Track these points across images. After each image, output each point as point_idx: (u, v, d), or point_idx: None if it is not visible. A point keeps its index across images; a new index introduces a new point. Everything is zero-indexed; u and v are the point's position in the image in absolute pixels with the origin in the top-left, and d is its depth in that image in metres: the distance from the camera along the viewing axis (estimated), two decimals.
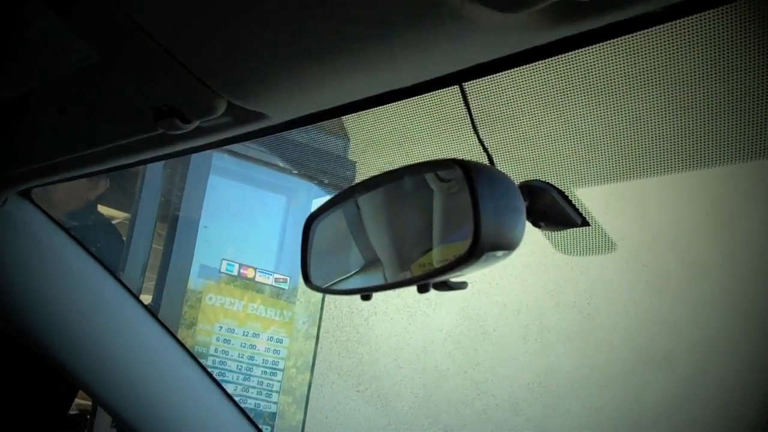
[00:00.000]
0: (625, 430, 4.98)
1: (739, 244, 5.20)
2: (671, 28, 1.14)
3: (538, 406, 4.85)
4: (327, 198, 0.95)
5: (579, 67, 1.23)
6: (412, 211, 0.91)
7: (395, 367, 4.53)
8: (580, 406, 4.94)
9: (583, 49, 0.72)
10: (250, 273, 4.19)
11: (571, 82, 1.31)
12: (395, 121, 1.66)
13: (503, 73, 0.80)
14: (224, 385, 1.68)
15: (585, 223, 0.90)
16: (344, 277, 0.96)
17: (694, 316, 5.14)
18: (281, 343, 4.21)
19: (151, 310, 1.63)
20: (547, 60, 0.74)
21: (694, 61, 1.24)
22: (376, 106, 0.90)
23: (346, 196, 0.94)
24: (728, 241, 5.21)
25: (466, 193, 0.74)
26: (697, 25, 1.14)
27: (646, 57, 1.25)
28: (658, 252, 5.17)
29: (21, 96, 1.17)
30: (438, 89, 0.84)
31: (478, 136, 0.87)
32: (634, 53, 1.23)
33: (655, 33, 1.14)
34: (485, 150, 0.87)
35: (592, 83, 1.32)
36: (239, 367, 4.08)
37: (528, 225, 0.83)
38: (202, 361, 1.66)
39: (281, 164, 4.06)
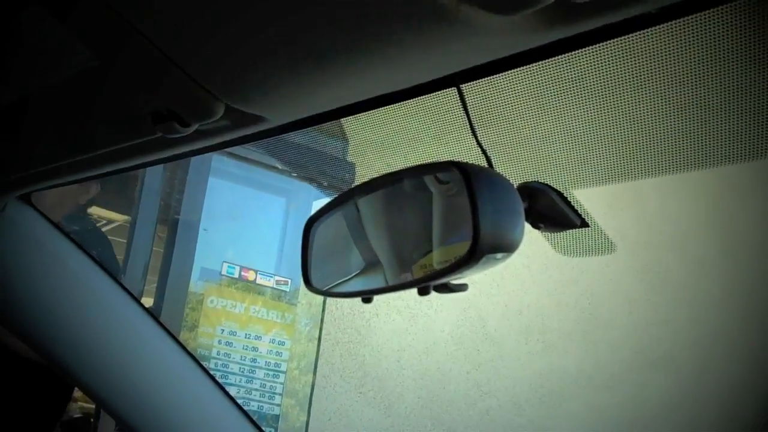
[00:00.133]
0: (627, 430, 4.98)
1: (739, 243, 5.20)
2: (668, 29, 1.14)
3: (540, 407, 4.85)
4: (327, 200, 0.95)
5: (576, 69, 1.23)
6: (411, 214, 0.91)
7: (397, 368, 4.53)
8: (583, 406, 4.94)
9: (580, 50, 0.72)
10: (251, 275, 4.19)
11: (568, 84, 1.31)
12: (394, 124, 1.66)
13: (501, 74, 0.80)
14: (227, 388, 1.68)
15: (584, 224, 0.90)
16: (345, 279, 0.96)
17: (695, 315, 5.14)
18: (283, 345, 4.21)
19: (153, 313, 1.63)
20: (544, 61, 0.74)
21: (692, 62, 1.24)
22: (374, 109, 0.90)
23: (345, 199, 0.94)
24: (728, 240, 5.20)
25: (465, 195, 0.74)
26: (694, 25, 1.14)
27: (643, 58, 1.25)
28: (659, 251, 5.17)
29: (20, 100, 1.18)
30: (436, 91, 0.84)
31: (476, 138, 0.87)
32: (631, 54, 1.23)
33: (652, 34, 1.14)
34: (483, 152, 0.87)
35: (589, 84, 1.32)
36: (242, 370, 4.08)
37: (528, 226, 0.83)
38: (204, 363, 1.66)
39: (281, 166, 4.06)
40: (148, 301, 4.05)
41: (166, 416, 1.59)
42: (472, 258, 0.73)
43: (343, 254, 0.97)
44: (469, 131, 0.88)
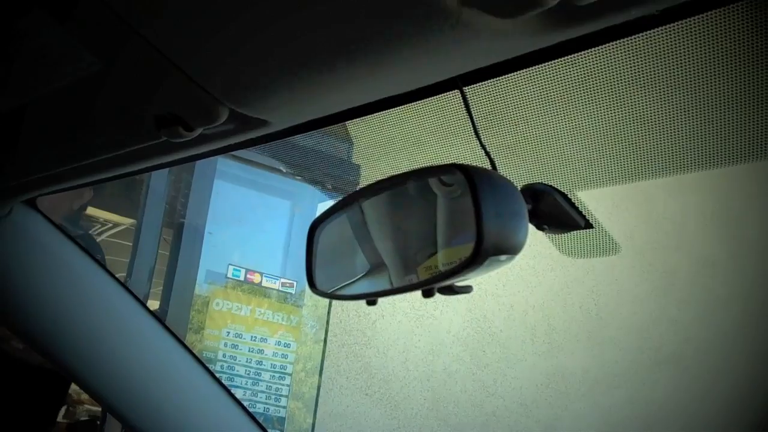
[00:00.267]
0: (634, 430, 4.97)
1: (746, 242, 5.19)
2: (672, 30, 1.14)
3: (547, 407, 4.85)
4: (331, 203, 0.96)
5: (579, 70, 1.23)
6: (416, 216, 0.91)
7: (403, 369, 4.53)
8: (590, 406, 4.93)
9: (583, 52, 0.72)
10: (256, 278, 4.19)
11: (571, 86, 1.31)
12: (398, 126, 1.66)
13: (504, 77, 0.80)
14: (233, 391, 1.68)
15: (588, 225, 0.89)
16: (349, 282, 0.96)
17: (701, 315, 5.13)
18: (289, 347, 4.21)
19: (158, 316, 1.63)
20: (547, 63, 0.74)
21: (696, 62, 1.24)
22: (377, 112, 0.90)
23: (350, 201, 0.94)
24: (734, 239, 5.20)
25: (468, 198, 0.74)
26: (698, 26, 1.14)
27: (647, 59, 1.25)
28: (665, 251, 5.16)
29: (24, 105, 1.18)
30: (439, 94, 0.84)
31: (480, 140, 0.87)
32: (635, 55, 1.23)
33: (656, 35, 1.14)
34: (487, 154, 0.87)
35: (592, 86, 1.32)
36: (248, 372, 4.08)
37: (532, 228, 0.83)
38: (210, 366, 1.66)
39: (285, 169, 4.06)
40: (153, 304, 4.06)
41: (172, 419, 1.59)
42: (476, 260, 0.73)
43: (347, 257, 0.97)
44: (473, 133, 0.88)
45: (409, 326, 4.56)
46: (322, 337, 4.39)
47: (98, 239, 5.18)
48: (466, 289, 0.80)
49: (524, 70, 0.76)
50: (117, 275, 1.59)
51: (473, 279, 0.79)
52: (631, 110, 1.48)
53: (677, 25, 1.10)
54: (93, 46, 0.89)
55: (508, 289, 4.80)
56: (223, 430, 1.65)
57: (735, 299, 5.13)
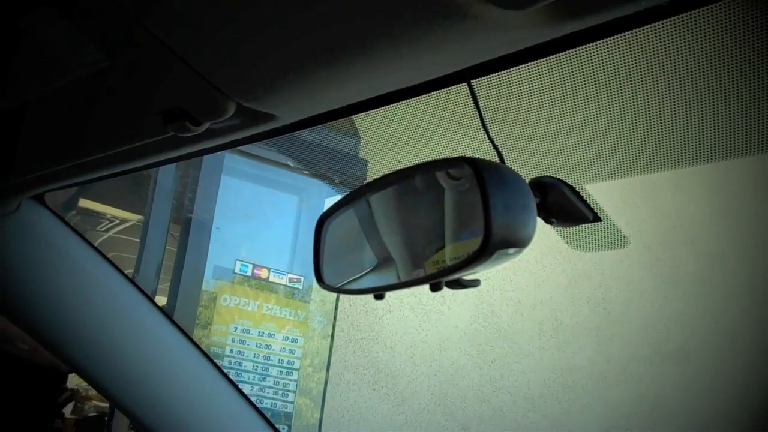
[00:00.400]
0: (642, 425, 4.97)
1: (753, 237, 5.17)
2: (682, 21, 1.13)
3: (554, 402, 4.85)
4: (339, 197, 0.95)
5: (588, 62, 1.23)
6: (423, 210, 0.91)
7: (411, 364, 4.54)
8: (597, 400, 4.93)
9: (592, 43, 0.72)
10: (263, 273, 4.20)
11: (579, 78, 1.30)
12: (405, 120, 1.65)
13: (512, 69, 0.80)
14: (240, 386, 1.68)
15: (596, 218, 0.89)
16: (357, 276, 0.96)
17: (710, 308, 5.12)
18: (296, 342, 4.22)
19: (166, 312, 1.63)
20: (555, 56, 0.74)
21: (706, 53, 1.24)
22: (385, 105, 0.90)
23: (357, 196, 0.94)
24: (742, 234, 5.18)
25: (476, 191, 0.74)
26: (708, 16, 1.13)
27: (655, 50, 1.24)
28: (672, 246, 5.15)
29: (32, 102, 1.18)
30: (447, 87, 0.84)
31: (488, 134, 0.87)
32: (643, 47, 1.22)
33: (664, 26, 1.13)
34: (495, 147, 0.87)
35: (601, 78, 1.32)
36: (255, 368, 4.09)
37: (540, 221, 0.83)
38: (217, 361, 1.66)
39: (293, 164, 4.06)
40: (161, 300, 4.06)
41: (180, 414, 1.60)
42: (483, 253, 0.73)
43: (355, 251, 0.97)
44: (481, 127, 0.87)
45: (416, 321, 4.56)
46: (330, 333, 4.39)
47: (106, 235, 5.20)
48: (474, 283, 0.80)
49: (532, 62, 0.75)
50: (125, 271, 1.59)
51: (481, 273, 0.79)
52: (640, 103, 1.47)
53: (688, 15, 1.09)
54: (101, 41, 0.89)
55: (516, 283, 4.80)
56: (230, 426, 1.66)
57: (742, 293, 5.11)
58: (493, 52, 0.71)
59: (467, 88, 0.85)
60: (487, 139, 0.87)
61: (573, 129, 1.57)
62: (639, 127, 1.56)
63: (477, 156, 0.77)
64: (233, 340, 4.06)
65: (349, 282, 0.96)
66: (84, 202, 4.67)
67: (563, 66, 1.22)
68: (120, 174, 1.27)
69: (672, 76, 1.37)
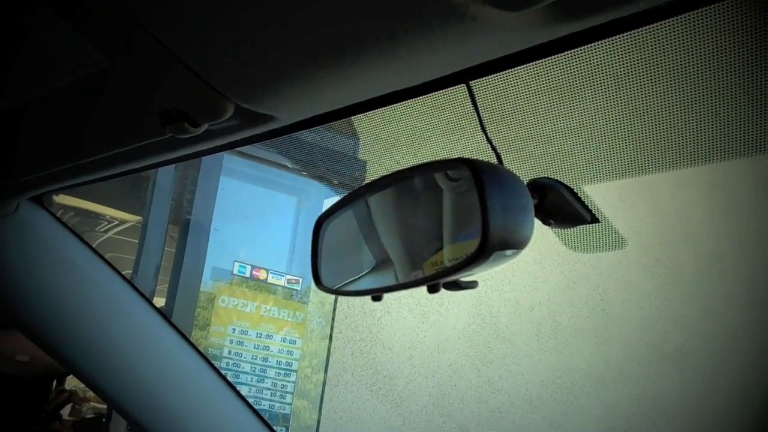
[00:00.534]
0: (641, 426, 4.97)
1: (752, 237, 5.18)
2: (680, 22, 1.13)
3: (552, 403, 4.85)
4: (338, 198, 0.95)
5: (586, 63, 1.23)
6: (422, 211, 0.91)
7: (409, 366, 4.54)
8: (595, 401, 4.93)
9: (590, 44, 0.72)
10: (262, 274, 4.20)
11: (578, 79, 1.30)
12: (404, 121, 1.66)
13: (510, 70, 0.80)
14: (238, 387, 1.68)
15: (594, 219, 0.89)
16: (355, 278, 0.96)
17: (707, 310, 5.13)
18: (294, 344, 4.21)
19: (164, 313, 1.63)
20: (553, 56, 0.74)
21: (705, 54, 1.24)
22: (384, 106, 0.90)
23: (355, 197, 0.94)
24: (741, 234, 5.19)
25: (474, 192, 0.74)
26: (706, 17, 1.13)
27: (653, 51, 1.24)
28: (671, 247, 5.16)
29: (30, 102, 1.18)
30: (445, 88, 0.84)
31: (486, 135, 0.87)
32: (641, 48, 1.22)
33: (664, 27, 1.14)
34: (493, 148, 0.87)
35: (599, 79, 1.32)
36: (253, 369, 4.09)
37: (538, 222, 0.83)
38: (215, 363, 1.66)
39: (291, 165, 4.06)
40: (159, 301, 4.07)
41: (177, 416, 1.59)
42: (481, 255, 0.73)
43: (353, 252, 0.97)
44: (479, 128, 0.88)
45: (414, 322, 4.56)
46: (328, 334, 4.39)
47: (105, 236, 5.20)
48: (472, 285, 0.80)
49: (531, 63, 0.75)
50: (123, 272, 1.59)
51: (479, 274, 0.79)
52: (638, 104, 1.47)
53: (686, 16, 1.09)
54: (99, 42, 0.89)
55: (514, 284, 4.80)
56: (228, 428, 1.65)
57: (741, 294, 5.12)
58: (492, 53, 0.71)
59: (465, 90, 0.85)
60: (485, 140, 0.87)
61: (571, 130, 1.57)
62: (637, 128, 1.56)
63: (475, 157, 0.77)
64: (231, 342, 4.06)
65: (347, 283, 0.96)
66: (83, 203, 4.67)
67: (561, 67, 1.22)
68: (119, 175, 1.27)
69: (670, 78, 1.37)
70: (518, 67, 0.77)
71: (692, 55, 1.25)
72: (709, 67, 1.30)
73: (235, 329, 4.08)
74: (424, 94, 0.86)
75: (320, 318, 4.44)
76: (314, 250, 0.96)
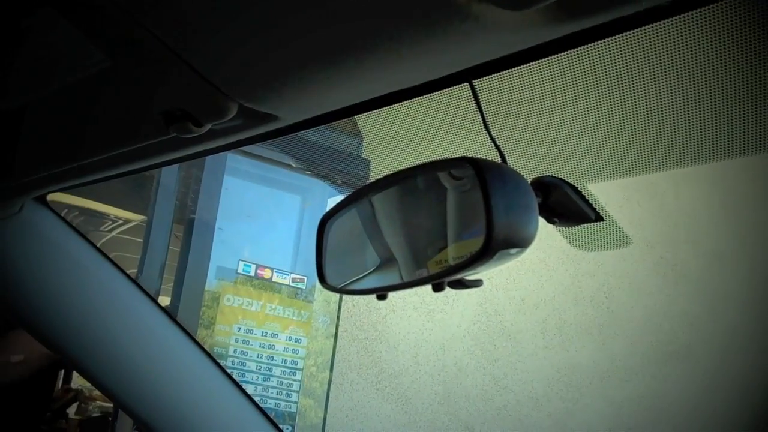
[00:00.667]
0: (646, 424, 4.97)
1: (756, 235, 5.17)
2: (682, 21, 1.13)
3: (558, 401, 4.85)
4: (342, 197, 0.95)
5: (589, 62, 1.23)
6: (426, 210, 0.91)
7: (414, 364, 4.54)
8: (601, 400, 4.92)
9: (593, 43, 0.72)
10: (267, 273, 4.20)
11: (581, 77, 1.30)
12: (408, 120, 1.66)
13: (513, 69, 0.80)
14: (244, 386, 1.68)
15: (599, 218, 0.89)
16: (360, 276, 0.96)
17: (713, 307, 5.12)
18: (300, 342, 4.22)
19: (169, 312, 1.64)
20: (557, 55, 0.74)
21: (708, 53, 1.24)
22: (387, 106, 0.90)
23: (360, 196, 0.94)
24: (745, 232, 5.17)
25: (478, 191, 0.74)
26: (708, 16, 1.13)
27: (657, 49, 1.24)
28: (675, 244, 5.15)
29: (34, 103, 1.18)
30: (448, 87, 0.84)
31: (490, 134, 0.87)
32: (645, 46, 1.22)
33: (667, 26, 1.13)
34: (497, 147, 0.87)
35: (602, 78, 1.32)
36: (258, 368, 4.09)
37: (542, 221, 0.83)
38: (221, 362, 1.66)
39: (295, 164, 4.07)
40: (164, 300, 4.07)
41: (183, 415, 1.60)
42: (486, 253, 0.73)
43: (357, 251, 0.97)
44: (483, 127, 0.87)
45: (419, 321, 4.56)
46: (333, 332, 4.40)
47: (110, 236, 5.20)
48: (477, 283, 0.80)
49: (534, 62, 0.75)
50: (128, 271, 1.59)
51: (483, 273, 0.79)
52: (641, 102, 1.47)
53: (688, 15, 1.09)
54: (102, 42, 0.89)
55: (519, 283, 4.80)
56: (233, 426, 1.66)
57: (745, 292, 5.11)
58: (495, 52, 0.71)
59: (469, 89, 0.85)
60: (489, 139, 0.87)
61: (574, 129, 1.57)
62: (640, 126, 1.56)
63: (479, 156, 0.77)
64: (237, 340, 4.07)
65: (351, 282, 0.96)
66: (88, 203, 4.68)
67: (565, 66, 1.22)
68: (122, 175, 1.27)
69: (673, 76, 1.37)
70: (521, 66, 0.77)
71: (695, 53, 1.25)
72: (712, 65, 1.30)
73: (240, 328, 4.09)
74: (427, 93, 0.86)
75: (325, 316, 4.44)
76: (319, 249, 0.96)
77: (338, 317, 4.40)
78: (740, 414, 5.02)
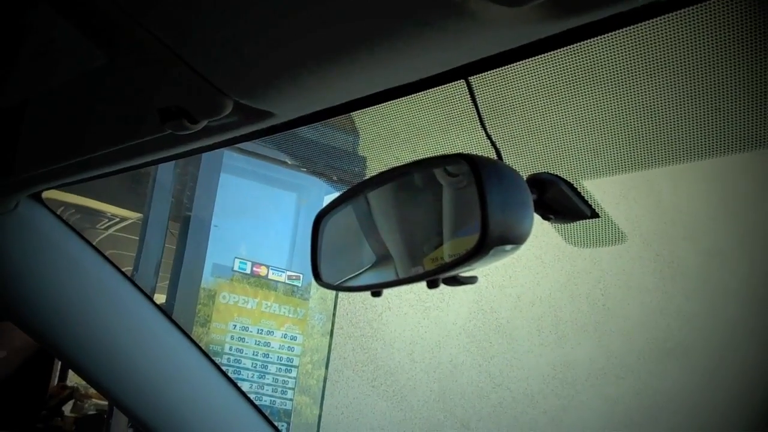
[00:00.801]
0: (641, 421, 4.97)
1: (754, 232, 5.18)
2: (679, 17, 1.13)
3: (554, 398, 4.85)
4: (337, 194, 0.95)
5: (585, 59, 1.23)
6: (422, 207, 0.91)
7: (410, 361, 4.54)
8: (597, 397, 4.93)
9: (589, 40, 0.72)
10: (262, 271, 4.20)
11: (577, 74, 1.30)
12: (403, 117, 1.66)
13: (509, 66, 0.80)
14: (239, 384, 1.68)
15: (594, 214, 0.89)
16: (355, 273, 0.96)
17: (709, 305, 5.12)
18: (295, 340, 4.22)
19: (165, 310, 1.64)
20: (553, 52, 0.74)
21: (704, 49, 1.24)
22: (383, 102, 0.90)
23: (355, 193, 0.94)
24: (742, 229, 5.18)
25: (474, 188, 0.74)
26: (706, 12, 1.13)
27: (653, 46, 1.24)
28: (672, 241, 5.16)
29: (30, 99, 1.18)
30: (444, 84, 0.84)
31: (486, 130, 0.87)
32: (641, 43, 1.22)
33: (663, 22, 1.14)
34: (493, 144, 0.87)
35: (598, 75, 1.32)
36: (254, 365, 4.09)
37: (538, 218, 0.83)
38: (216, 359, 1.66)
39: (291, 161, 4.07)
40: (160, 298, 4.07)
41: (178, 412, 1.60)
42: (481, 250, 0.73)
43: (353, 248, 0.97)
44: (478, 123, 0.88)
45: (415, 318, 4.56)
46: (329, 330, 4.40)
47: (105, 233, 5.20)
48: (471, 280, 0.80)
49: (530, 59, 0.75)
50: (124, 269, 1.59)
51: (478, 269, 0.79)
52: (637, 99, 1.47)
53: (684, 12, 1.09)
54: (98, 40, 0.89)
55: (515, 280, 4.80)
56: (229, 423, 1.66)
57: (742, 289, 5.12)
58: (491, 49, 0.71)
59: (465, 85, 0.85)
60: (485, 135, 0.87)
61: (570, 125, 1.57)
62: (637, 123, 1.56)
63: (475, 153, 0.77)
64: (232, 338, 4.06)
65: (347, 279, 0.96)
66: (83, 200, 4.67)
67: (560, 63, 1.22)
68: (118, 172, 1.27)
69: (669, 72, 1.37)
70: (517, 63, 0.77)
71: (691, 49, 1.25)
72: (709, 61, 1.30)
73: (236, 325, 4.08)
74: (423, 90, 0.86)
75: (321, 314, 4.44)
76: (314, 246, 0.96)
77: (334, 314, 4.39)
78: (737, 411, 5.03)
